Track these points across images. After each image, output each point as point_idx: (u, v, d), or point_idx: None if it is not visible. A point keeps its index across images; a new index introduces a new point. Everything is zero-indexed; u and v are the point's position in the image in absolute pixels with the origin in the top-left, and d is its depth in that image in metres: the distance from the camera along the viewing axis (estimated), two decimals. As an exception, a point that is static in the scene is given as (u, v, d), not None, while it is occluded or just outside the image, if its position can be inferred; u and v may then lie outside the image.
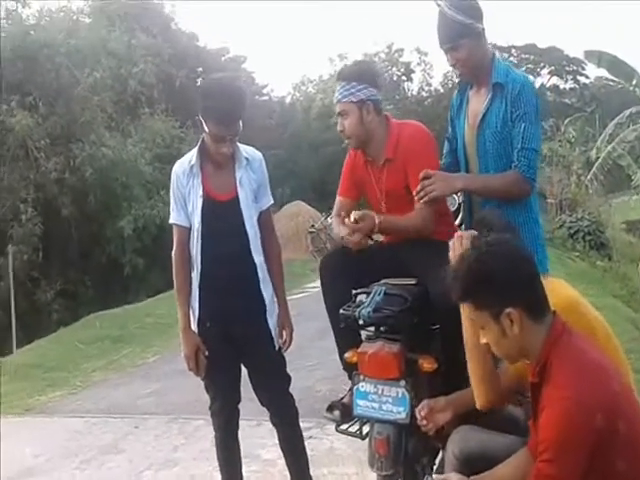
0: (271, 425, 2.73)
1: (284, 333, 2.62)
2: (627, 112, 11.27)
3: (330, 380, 4.80)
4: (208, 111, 2.39)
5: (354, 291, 2.44)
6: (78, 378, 6.16)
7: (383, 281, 2.47)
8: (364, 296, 2.36)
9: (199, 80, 20.96)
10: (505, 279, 1.55)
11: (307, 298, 8.49)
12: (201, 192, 2.47)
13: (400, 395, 2.20)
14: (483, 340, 1.67)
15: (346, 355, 2.39)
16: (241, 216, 2.50)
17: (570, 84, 35.93)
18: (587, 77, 34.04)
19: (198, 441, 3.88)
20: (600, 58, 10.13)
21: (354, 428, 2.41)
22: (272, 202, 2.69)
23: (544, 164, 16.04)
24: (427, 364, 2.25)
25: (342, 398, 2.50)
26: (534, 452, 1.67)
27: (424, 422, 2.12)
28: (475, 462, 1.92)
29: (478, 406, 1.92)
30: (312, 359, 5.26)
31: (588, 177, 13.53)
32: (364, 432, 2.35)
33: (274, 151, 23.62)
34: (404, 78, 32.05)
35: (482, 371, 1.90)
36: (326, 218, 15.56)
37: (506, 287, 1.55)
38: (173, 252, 2.55)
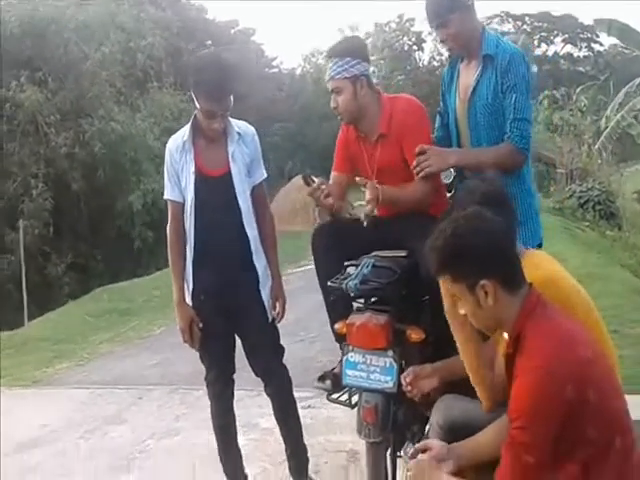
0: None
1: (277, 305, 2.65)
2: (637, 80, 11.04)
3: (330, 351, 4.77)
4: (199, 86, 2.40)
5: (345, 263, 2.45)
6: (85, 350, 6.27)
7: (374, 253, 2.47)
8: (353, 268, 2.38)
9: (208, 53, 20.79)
10: (480, 252, 1.57)
11: (313, 270, 8.54)
12: (193, 168, 2.48)
13: (388, 365, 2.22)
14: (461, 311, 1.69)
15: (336, 326, 2.42)
16: (233, 190, 2.52)
17: (584, 52, 35.26)
18: (601, 45, 33.35)
19: (199, 411, 3.90)
20: (610, 26, 9.92)
21: (344, 397, 2.45)
22: (265, 176, 2.69)
23: (555, 133, 15.84)
24: (415, 334, 2.27)
25: (334, 368, 2.54)
26: None
27: (409, 388, 2.15)
28: (458, 430, 1.94)
29: (485, 410, 1.90)
30: (314, 331, 5.30)
31: (596, 146, 13.33)
32: (353, 401, 2.38)
33: (283, 124, 23.54)
34: (415, 48, 31.63)
35: (479, 375, 1.89)
36: (334, 191, 15.49)
37: (480, 259, 1.57)
38: (167, 227, 2.58)
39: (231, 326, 2.60)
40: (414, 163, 2.38)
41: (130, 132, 14.42)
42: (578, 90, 17.77)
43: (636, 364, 3.71)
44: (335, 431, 3.38)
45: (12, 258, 12.73)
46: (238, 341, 2.69)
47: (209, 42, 22.53)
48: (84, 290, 11.03)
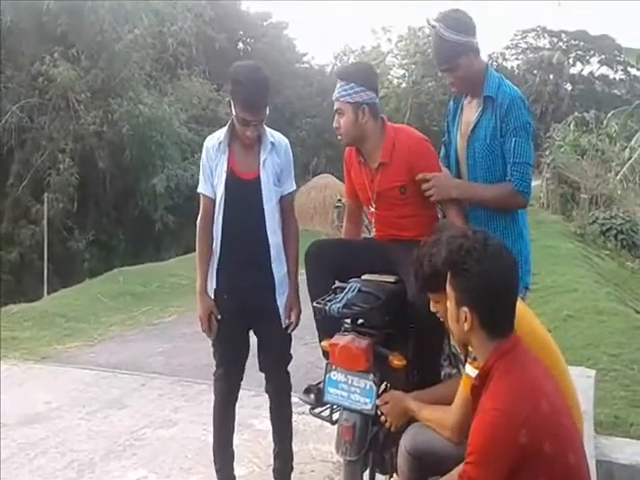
0: (267, 397, 2.89)
1: (292, 314, 2.76)
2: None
3: None
4: (236, 95, 2.53)
5: (334, 285, 2.56)
6: (97, 331, 6.50)
7: (362, 277, 2.58)
8: (337, 291, 2.47)
9: (239, 43, 20.93)
10: (482, 286, 1.65)
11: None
12: (225, 167, 2.62)
13: (368, 387, 2.33)
14: (433, 309, 1.85)
15: (322, 343, 2.53)
16: (261, 196, 2.64)
17: (620, 75, 34.68)
18: (639, 69, 32.82)
19: (198, 405, 4.12)
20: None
21: (326, 413, 2.57)
22: (294, 188, 2.81)
23: (582, 157, 15.71)
24: (397, 360, 2.36)
25: (319, 383, 2.66)
26: None
27: (382, 417, 2.29)
28: (423, 457, 2.10)
29: (454, 440, 2.04)
30: (316, 337, 5.42)
31: (618, 176, 13.24)
32: (334, 417, 2.50)
33: (311, 119, 23.64)
34: (450, 56, 31.26)
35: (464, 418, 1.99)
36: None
37: (478, 293, 1.65)
38: (198, 219, 2.72)
39: (248, 327, 2.73)
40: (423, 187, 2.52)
41: (157, 116, 14.68)
42: (609, 115, 17.56)
43: (630, 407, 3.76)
44: (325, 441, 3.48)
45: (36, 229, 13.11)
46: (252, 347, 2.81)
47: (241, 33, 22.66)
48: (105, 267, 11.33)
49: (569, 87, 33.13)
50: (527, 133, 2.50)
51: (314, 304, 2.44)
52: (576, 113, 19.95)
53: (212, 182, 2.66)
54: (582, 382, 3.16)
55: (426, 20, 2.60)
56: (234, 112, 2.54)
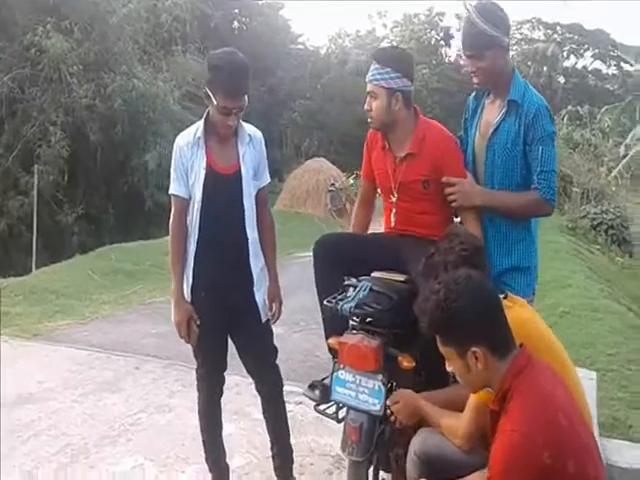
0: None
1: (273, 306, 2.73)
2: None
3: None
4: (216, 83, 2.45)
5: (345, 281, 2.54)
6: (88, 309, 6.43)
7: (373, 274, 2.55)
8: (351, 289, 2.45)
9: (234, 22, 20.60)
10: (471, 319, 1.64)
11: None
12: (204, 164, 2.54)
13: (377, 388, 2.31)
14: (449, 368, 1.79)
15: (329, 340, 2.51)
16: (241, 190, 2.58)
17: (613, 70, 34.76)
18: (632, 65, 32.90)
19: (194, 391, 3.95)
20: (638, 55, 9.87)
21: (331, 410, 2.54)
22: (269, 180, 2.77)
23: (574, 151, 15.75)
24: (406, 362, 2.35)
25: (324, 379, 2.63)
26: None
27: (394, 412, 2.27)
28: (432, 462, 2.10)
29: (464, 449, 2.05)
30: (318, 323, 5.36)
31: (613, 173, 13.32)
32: (340, 415, 2.48)
33: (305, 101, 23.43)
34: (442, 43, 31.28)
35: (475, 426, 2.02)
36: (347, 178, 15.58)
37: (472, 327, 1.65)
38: (171, 223, 2.62)
39: (226, 324, 2.67)
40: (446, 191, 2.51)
41: (151, 92, 14.47)
42: (603, 110, 17.63)
43: (629, 408, 3.77)
44: (323, 433, 3.46)
45: (25, 200, 12.94)
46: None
47: (236, 11, 22.30)
48: (94, 242, 11.22)
49: (562, 80, 33.09)
50: (552, 141, 2.51)
51: (324, 302, 2.41)
52: (570, 107, 19.95)
53: (186, 182, 2.57)
54: (585, 384, 3.15)
55: (463, 3, 2.54)
56: (214, 101, 2.45)
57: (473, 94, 2.76)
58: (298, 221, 12.64)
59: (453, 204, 2.55)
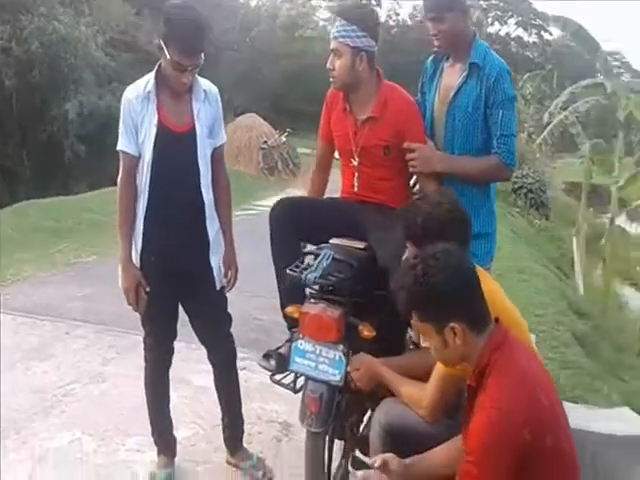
0: (205, 350, 2.75)
1: (229, 273, 2.62)
2: (582, 83, 11.53)
3: (271, 310, 4.68)
4: (172, 38, 2.27)
5: (303, 249, 2.47)
6: (8, 270, 5.99)
7: (332, 241, 2.49)
8: (312, 257, 2.38)
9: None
10: (450, 294, 1.60)
11: (256, 216, 8.52)
12: (156, 120, 2.37)
13: (337, 358, 2.25)
14: (424, 344, 1.74)
15: (287, 309, 2.42)
16: (195, 150, 2.43)
17: (534, 38, 35.91)
18: (551, 34, 34.09)
19: (129, 358, 3.89)
20: (565, 24, 10.24)
21: (287, 380, 2.48)
22: (225, 139, 2.62)
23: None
24: (367, 331, 2.29)
25: (279, 347, 2.55)
26: (464, 442, 1.77)
27: (356, 380, 2.22)
28: (397, 433, 2.05)
29: (429, 419, 2.02)
30: (255, 285, 5.16)
31: (538, 140, 13.81)
32: (297, 386, 2.42)
33: (234, 53, 22.67)
34: (374, 2, 31.14)
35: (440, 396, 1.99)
36: (280, 135, 15.31)
37: (451, 302, 1.60)
38: (119, 180, 2.45)
39: (176, 291, 2.54)
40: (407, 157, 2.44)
41: (72, 36, 13.58)
42: (525, 77, 18.20)
43: (560, 368, 3.92)
44: (269, 399, 3.39)
45: None
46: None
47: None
48: (9, 197, 10.47)
49: (486, 45, 33.96)
50: (513, 105, 2.49)
51: (287, 271, 2.31)
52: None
53: (135, 138, 2.38)
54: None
55: None
56: (168, 56, 2.27)
57: (431, 57, 2.71)
58: (230, 178, 12.27)
59: (413, 170, 2.50)
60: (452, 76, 2.54)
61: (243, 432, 2.84)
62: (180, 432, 2.92)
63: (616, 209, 9.55)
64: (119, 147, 2.42)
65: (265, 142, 13.98)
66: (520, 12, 34.23)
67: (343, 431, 2.48)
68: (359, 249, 2.46)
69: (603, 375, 5.67)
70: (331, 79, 2.49)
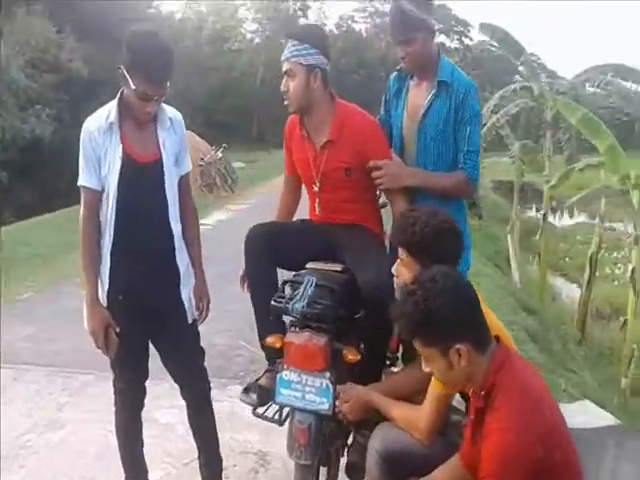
0: (168, 384, 2.63)
1: (200, 304, 2.51)
2: (512, 87, 12.08)
3: (229, 334, 4.69)
4: (136, 67, 2.16)
5: (281, 278, 2.42)
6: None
7: (309, 265, 2.45)
8: (289, 286, 2.33)
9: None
10: (452, 317, 1.58)
11: (210, 231, 8.42)
12: (120, 152, 2.24)
13: (324, 386, 2.20)
14: (427, 369, 1.71)
15: (268, 340, 2.34)
16: (162, 180, 2.32)
17: (455, 44, 37.32)
18: (471, 40, 35.59)
19: (86, 399, 3.68)
20: (493, 32, 10.73)
21: (270, 413, 2.40)
22: (191, 168, 2.52)
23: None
24: (351, 355, 2.26)
25: (258, 379, 2.48)
26: (466, 461, 1.77)
27: (344, 410, 2.17)
28: (395, 458, 2.01)
29: (426, 442, 1.99)
30: (213, 307, 5.07)
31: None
32: (282, 417, 2.34)
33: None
34: (300, 14, 31.50)
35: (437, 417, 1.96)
36: (216, 151, 15.10)
37: (454, 325, 1.58)
38: (81, 217, 2.30)
39: (146, 328, 2.40)
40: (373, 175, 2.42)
41: (-11, 57, 12.86)
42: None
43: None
44: (240, 429, 3.27)
45: None
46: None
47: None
48: None
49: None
50: (479, 121, 2.55)
51: (272, 303, 2.25)
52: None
53: (98, 172, 2.26)
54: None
55: None
56: (131, 85, 2.17)
57: (394, 74, 2.71)
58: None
59: (381, 187, 2.48)
60: (419, 94, 2.56)
61: (222, 470, 2.71)
62: (152, 474, 2.75)
63: (548, 206, 9.94)
64: (80, 182, 2.28)
65: (202, 159, 13.73)
66: (441, 19, 35.55)
67: (328, 457, 2.43)
68: (337, 272, 2.42)
69: (557, 369, 5.84)
70: (286, 102, 2.44)
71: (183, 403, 2.59)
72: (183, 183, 2.44)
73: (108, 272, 2.31)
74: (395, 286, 2.07)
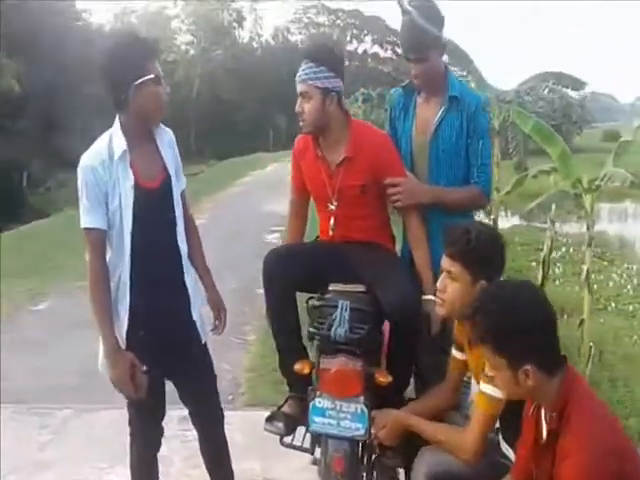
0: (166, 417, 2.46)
1: (220, 315, 2.44)
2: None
3: (216, 354, 4.44)
4: (146, 54, 2.14)
5: (310, 302, 2.37)
6: None
7: (332, 287, 2.39)
8: (318, 310, 2.29)
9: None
10: (533, 334, 1.56)
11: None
12: (132, 181, 2.12)
13: (359, 411, 2.14)
14: (489, 373, 1.70)
15: (296, 366, 2.27)
16: (172, 201, 2.23)
17: (389, 54, 38.31)
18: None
19: (69, 436, 3.46)
20: (443, 44, 10.93)
21: (299, 442, 2.32)
22: (185, 182, 2.44)
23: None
24: (382, 377, 2.23)
25: (281, 407, 2.40)
26: (518, 478, 1.76)
27: (381, 435, 2.13)
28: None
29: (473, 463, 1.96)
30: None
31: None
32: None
33: (93, 84, 21.52)
34: (235, 25, 31.47)
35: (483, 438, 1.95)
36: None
37: (529, 343, 1.56)
38: (89, 263, 2.14)
39: (165, 361, 2.25)
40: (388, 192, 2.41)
41: None
42: (392, 92, 19.19)
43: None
44: (241, 457, 3.07)
45: None
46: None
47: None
48: None
49: (347, 63, 35.65)
50: (489, 135, 2.59)
51: (310, 329, 2.19)
52: (362, 89, 21.23)
53: (104, 210, 2.12)
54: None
55: (398, 2, 2.41)
56: (150, 74, 2.11)
57: (398, 90, 2.71)
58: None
59: (397, 204, 2.45)
60: (429, 110, 2.56)
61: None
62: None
63: (497, 212, 10.24)
64: (85, 225, 2.13)
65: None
66: (375, 30, 36.34)
67: None
68: (361, 292, 2.36)
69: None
70: (301, 123, 2.39)
71: (182, 434, 2.45)
72: (182, 198, 2.35)
73: (128, 310, 2.17)
74: (437, 301, 2.04)
